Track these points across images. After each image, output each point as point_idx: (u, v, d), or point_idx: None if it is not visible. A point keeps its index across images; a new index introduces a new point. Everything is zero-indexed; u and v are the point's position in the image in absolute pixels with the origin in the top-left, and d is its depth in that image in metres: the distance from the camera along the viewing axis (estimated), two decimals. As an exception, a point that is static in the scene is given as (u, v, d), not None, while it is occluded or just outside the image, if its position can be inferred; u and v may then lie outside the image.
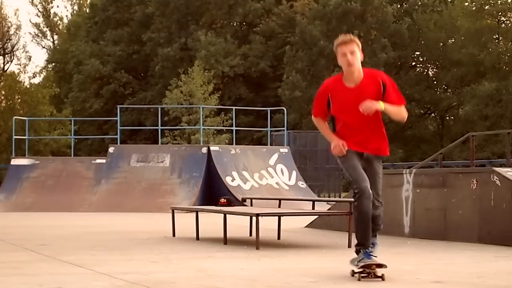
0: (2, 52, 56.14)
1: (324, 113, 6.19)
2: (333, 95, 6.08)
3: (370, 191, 5.90)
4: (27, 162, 21.64)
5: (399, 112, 6.06)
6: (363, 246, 5.91)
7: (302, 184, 21.81)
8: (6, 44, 56.17)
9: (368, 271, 5.79)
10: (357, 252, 5.96)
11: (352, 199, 6.17)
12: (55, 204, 19.56)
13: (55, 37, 64.48)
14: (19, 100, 43.44)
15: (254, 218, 8.72)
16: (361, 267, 5.77)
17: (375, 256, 5.87)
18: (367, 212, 5.90)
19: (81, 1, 63.83)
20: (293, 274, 6.29)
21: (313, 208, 10.88)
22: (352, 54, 5.95)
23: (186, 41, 47.84)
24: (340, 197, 25.40)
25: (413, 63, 48.94)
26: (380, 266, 5.80)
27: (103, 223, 14.25)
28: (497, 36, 44.45)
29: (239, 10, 48.46)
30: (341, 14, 43.23)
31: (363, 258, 5.85)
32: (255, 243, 8.40)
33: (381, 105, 5.90)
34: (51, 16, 64.08)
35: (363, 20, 43.37)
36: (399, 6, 47.54)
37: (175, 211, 10.74)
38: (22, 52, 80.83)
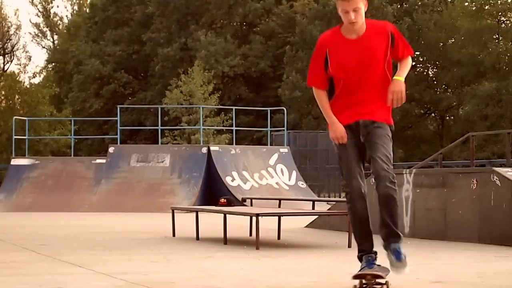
0: (2, 52, 56.13)
1: (320, 79, 5.24)
2: (332, 49, 5.18)
3: (363, 190, 5.14)
4: (27, 162, 21.65)
5: (409, 67, 5.36)
6: (364, 252, 5.20)
7: (302, 184, 21.81)
8: (6, 44, 56.16)
9: (366, 283, 5.10)
10: (360, 259, 5.25)
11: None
12: (55, 204, 19.56)
13: (55, 37, 64.52)
14: (19, 100, 43.48)
15: (254, 218, 8.72)
16: (355, 277, 5.08)
17: (379, 265, 5.14)
18: (361, 214, 5.15)
19: (81, 1, 63.83)
20: (293, 274, 6.28)
21: (313, 208, 10.89)
22: (355, 12, 5.08)
23: (186, 41, 47.84)
24: (340, 197, 25.40)
25: (413, 63, 48.85)
26: (378, 277, 5.05)
27: (103, 223, 14.25)
28: (497, 36, 44.46)
29: (239, 10, 48.46)
30: (341, 14, 43.17)
31: (364, 267, 5.14)
32: (255, 243, 8.40)
33: (402, 80, 5.18)
34: (51, 16, 64.10)
35: (363, 20, 43.29)
36: (399, 6, 47.56)
37: (175, 211, 10.74)
38: (22, 52, 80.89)
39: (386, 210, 5.08)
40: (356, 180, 5.14)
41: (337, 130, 5.18)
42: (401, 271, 5.11)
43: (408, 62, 5.34)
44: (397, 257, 5.05)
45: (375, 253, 5.20)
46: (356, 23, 5.09)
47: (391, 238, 5.07)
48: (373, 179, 5.17)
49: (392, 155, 5.20)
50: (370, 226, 5.21)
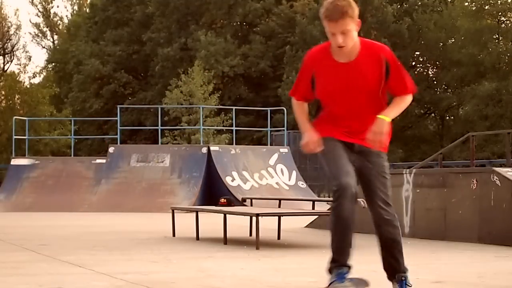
0: (2, 52, 56.14)
1: (304, 95, 4.73)
2: (319, 71, 4.58)
3: (354, 190, 4.42)
4: (27, 162, 21.65)
5: (404, 107, 4.59)
6: (337, 262, 4.51)
7: (302, 184, 21.80)
8: (6, 44, 56.17)
9: None
10: (330, 271, 4.56)
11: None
12: (55, 204, 19.57)
13: (55, 37, 64.55)
14: (19, 100, 43.50)
15: (254, 218, 8.72)
16: None
17: (351, 279, 4.52)
18: (346, 217, 4.42)
19: (81, 1, 63.86)
20: (293, 274, 6.28)
21: (313, 208, 10.88)
22: (344, 34, 4.42)
23: (186, 41, 47.85)
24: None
25: (413, 63, 48.95)
26: None
27: (103, 223, 14.25)
28: (497, 36, 44.47)
29: (239, 10, 48.47)
30: (341, 14, 43.16)
31: (333, 281, 4.49)
32: (255, 243, 8.40)
33: (387, 121, 4.45)
34: (51, 16, 64.13)
35: (363, 20, 43.01)
36: (399, 6, 47.55)
37: (175, 211, 10.74)
38: (22, 52, 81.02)
39: (388, 253, 4.61)
40: (346, 177, 4.41)
41: (312, 136, 4.60)
42: None
43: (403, 101, 4.59)
44: (401, 286, 4.63)
45: (349, 267, 4.55)
46: (345, 47, 4.45)
47: (394, 272, 4.66)
48: (372, 221, 4.64)
49: (390, 190, 4.65)
50: (352, 237, 4.54)
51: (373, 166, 4.58)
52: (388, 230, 4.53)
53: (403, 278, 4.59)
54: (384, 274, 5.72)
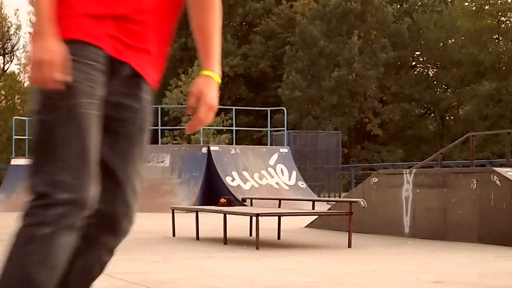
0: (2, 52, 56.15)
1: None
2: None
3: (91, 207, 2.37)
4: (27, 162, 21.64)
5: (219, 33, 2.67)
6: None
7: (302, 184, 21.80)
8: (6, 44, 56.18)
9: None
10: None
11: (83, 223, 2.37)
12: (55, 204, 19.55)
13: (55, 37, 64.59)
14: (19, 100, 43.53)
15: (254, 218, 8.72)
16: None
17: None
18: (61, 263, 2.36)
19: (81, 1, 63.93)
20: (293, 274, 6.28)
21: (313, 208, 10.88)
22: None
23: (186, 41, 47.87)
24: (340, 197, 25.40)
25: (413, 63, 48.98)
26: None
27: (103, 223, 14.23)
28: (497, 36, 44.51)
29: (239, 10, 48.49)
30: (341, 14, 43.29)
31: None
32: (255, 243, 8.40)
33: (218, 82, 2.75)
34: (51, 16, 64.19)
35: (363, 20, 43.41)
36: (399, 6, 47.59)
37: (175, 211, 10.74)
38: (22, 52, 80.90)
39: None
40: (92, 186, 2.37)
41: (51, 51, 2.16)
42: None
43: (216, 15, 2.65)
44: None
45: None
46: None
47: None
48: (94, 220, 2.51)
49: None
50: None
51: (137, 116, 2.50)
52: (110, 251, 2.65)
53: None
54: (385, 274, 5.73)
